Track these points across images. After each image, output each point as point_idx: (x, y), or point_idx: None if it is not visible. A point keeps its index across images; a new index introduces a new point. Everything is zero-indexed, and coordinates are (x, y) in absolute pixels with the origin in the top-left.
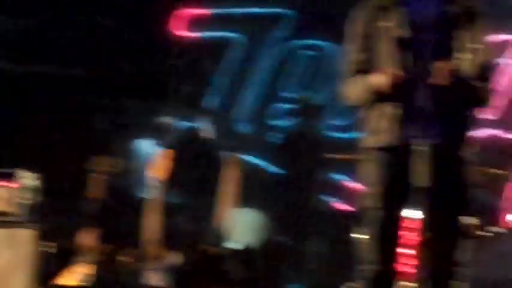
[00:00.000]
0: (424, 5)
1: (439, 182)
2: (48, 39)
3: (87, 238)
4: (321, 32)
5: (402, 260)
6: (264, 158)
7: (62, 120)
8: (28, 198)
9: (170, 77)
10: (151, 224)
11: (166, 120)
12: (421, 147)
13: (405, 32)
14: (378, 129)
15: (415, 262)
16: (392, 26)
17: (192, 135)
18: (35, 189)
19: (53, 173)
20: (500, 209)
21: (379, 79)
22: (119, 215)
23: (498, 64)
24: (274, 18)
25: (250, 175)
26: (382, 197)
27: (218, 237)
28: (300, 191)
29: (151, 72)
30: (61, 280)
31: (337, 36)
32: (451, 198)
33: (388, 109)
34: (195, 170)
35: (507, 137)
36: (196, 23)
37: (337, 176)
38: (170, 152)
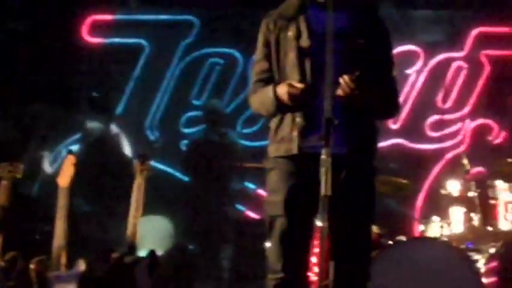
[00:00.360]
0: (327, 15)
1: (342, 191)
2: None
3: None
4: (231, 40)
5: (313, 269)
6: (174, 166)
7: None
8: None
9: (80, 83)
10: (60, 232)
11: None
12: (323, 156)
13: (307, 42)
14: (280, 138)
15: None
16: (294, 35)
17: (102, 142)
18: None
19: None
20: (409, 218)
21: (282, 89)
22: (25, 222)
23: (403, 75)
24: (184, 25)
25: (160, 182)
26: (285, 205)
27: (129, 245)
28: (209, 199)
29: (60, 78)
30: None
31: (249, 45)
32: (355, 207)
33: (290, 118)
34: (105, 176)
35: (411, 146)
36: (105, 29)
37: (247, 184)
38: (74, 158)
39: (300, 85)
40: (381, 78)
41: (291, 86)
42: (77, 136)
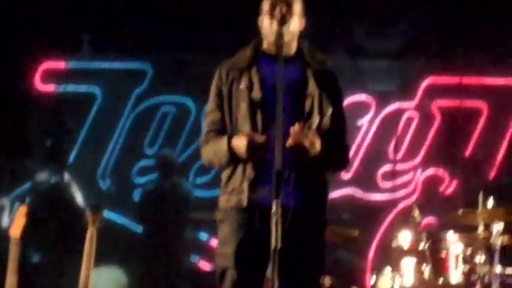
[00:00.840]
0: (278, 68)
1: (291, 243)
2: None
3: None
4: (184, 88)
5: None
6: (127, 216)
7: None
8: None
9: (32, 132)
10: (11, 282)
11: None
12: (273, 208)
13: (259, 94)
14: (231, 189)
15: None
16: (246, 87)
17: (53, 191)
18: None
19: None
20: (361, 270)
21: (240, 141)
22: None
23: (355, 125)
24: (137, 73)
25: (113, 233)
26: (236, 257)
27: None
28: (163, 250)
29: (12, 126)
30: None
31: (202, 93)
32: (304, 260)
33: (241, 170)
34: (57, 227)
35: (363, 197)
36: (58, 76)
37: (201, 235)
38: (25, 208)
39: (261, 138)
40: (331, 132)
41: (251, 138)
42: (28, 185)
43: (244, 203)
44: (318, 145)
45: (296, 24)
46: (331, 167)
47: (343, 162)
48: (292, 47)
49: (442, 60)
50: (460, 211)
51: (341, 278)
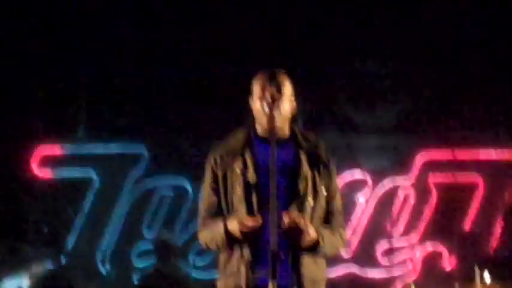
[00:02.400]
0: (275, 149)
1: None
2: None
3: None
4: (181, 170)
5: None
6: None
7: None
8: None
9: (29, 217)
10: None
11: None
12: None
13: (254, 177)
14: (229, 273)
15: None
16: (241, 171)
17: (54, 277)
18: None
19: None
20: None
21: (233, 225)
22: None
23: (352, 203)
24: (133, 157)
25: None
26: None
27: None
28: None
29: (9, 211)
30: None
31: (198, 173)
32: None
33: (238, 253)
34: None
35: (362, 275)
36: (54, 162)
37: None
38: None
39: (251, 222)
40: (327, 214)
41: (242, 224)
42: (26, 271)
43: (243, 286)
44: (313, 233)
45: (287, 107)
46: (330, 248)
47: (341, 241)
48: (285, 130)
49: (436, 134)
50: (456, 286)
51: None
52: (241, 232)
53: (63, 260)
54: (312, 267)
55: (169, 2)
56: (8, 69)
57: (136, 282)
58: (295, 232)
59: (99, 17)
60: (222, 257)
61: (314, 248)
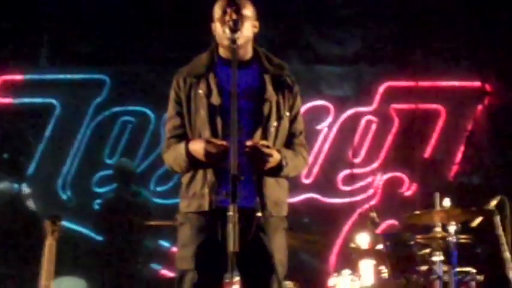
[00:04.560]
0: (236, 71)
1: (252, 244)
2: None
3: None
4: (143, 98)
5: None
6: (87, 225)
7: None
8: None
9: None
10: None
11: None
12: (230, 212)
13: (218, 100)
14: (191, 194)
15: None
16: (204, 93)
17: (12, 203)
18: None
19: None
20: (322, 272)
21: (194, 146)
22: None
23: (314, 130)
24: (95, 84)
25: (74, 242)
26: (195, 259)
27: None
28: (124, 259)
29: None
30: None
31: (160, 102)
32: (262, 261)
33: (201, 175)
34: (16, 238)
35: (323, 201)
36: (15, 88)
37: (162, 243)
38: None
39: (220, 143)
40: (289, 134)
41: (208, 142)
42: None
43: (205, 207)
44: (276, 155)
45: (249, 28)
46: (292, 169)
47: (303, 161)
48: (247, 51)
49: (398, 64)
50: (418, 212)
51: (303, 281)
52: (206, 154)
53: (23, 186)
54: (274, 189)
55: None
56: None
57: (96, 208)
58: (258, 156)
59: None
60: (185, 179)
61: (277, 170)
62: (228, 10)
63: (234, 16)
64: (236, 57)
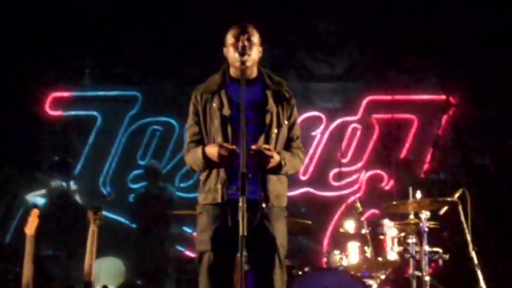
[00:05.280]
0: (244, 88)
1: (258, 230)
2: None
3: None
4: (169, 110)
5: None
6: (123, 215)
7: None
8: None
9: (43, 150)
10: (27, 273)
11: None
12: (240, 203)
13: (228, 112)
14: (207, 189)
15: None
16: (217, 106)
17: (63, 197)
18: None
19: None
20: (316, 252)
21: (209, 149)
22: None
23: (310, 136)
24: (129, 99)
25: (112, 229)
26: (212, 242)
27: (85, 283)
28: (153, 242)
29: (26, 145)
30: None
31: (183, 114)
32: (267, 243)
33: (215, 173)
34: (67, 225)
35: (317, 194)
36: (64, 103)
37: (185, 229)
38: (38, 211)
39: (230, 147)
40: (288, 140)
41: (221, 146)
42: (43, 191)
43: (219, 199)
44: (276, 157)
45: (256, 53)
46: (291, 168)
47: (300, 161)
48: (253, 72)
49: (377, 82)
50: (395, 203)
51: (300, 261)
52: (219, 156)
53: (71, 184)
54: (276, 184)
55: None
56: (25, 31)
57: (131, 201)
58: (261, 157)
59: None
60: (202, 176)
61: (278, 169)
62: (241, 37)
63: (246, 43)
64: (244, 76)
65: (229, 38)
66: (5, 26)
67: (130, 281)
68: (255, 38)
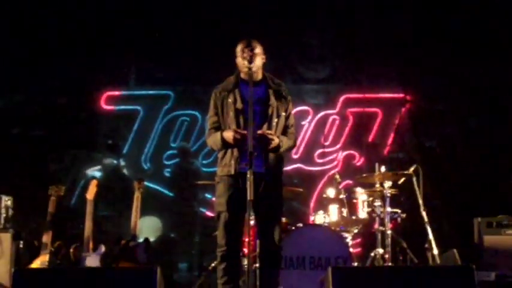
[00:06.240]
0: (252, 88)
1: (262, 196)
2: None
3: (46, 237)
4: (194, 105)
5: (245, 245)
6: (161, 185)
7: (29, 160)
8: (5, 212)
9: (100, 136)
10: (88, 228)
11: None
12: (248, 175)
13: (241, 106)
14: (224, 164)
15: (251, 246)
16: (232, 101)
17: (115, 170)
18: (10, 207)
19: (23, 196)
20: (305, 213)
21: (226, 134)
22: (67, 222)
23: (300, 125)
24: (164, 97)
25: (152, 196)
26: (227, 204)
27: (132, 235)
28: (184, 205)
29: (87, 133)
30: (31, 265)
31: (204, 108)
32: (270, 207)
33: (230, 152)
34: (118, 192)
35: (306, 169)
36: (115, 100)
37: (207, 195)
38: (96, 181)
39: (242, 132)
40: (285, 126)
41: (235, 132)
42: (99, 167)
43: (232, 172)
44: (276, 140)
45: (259, 60)
46: (286, 148)
47: (294, 143)
48: (259, 75)
49: (351, 84)
50: (365, 175)
51: (293, 218)
52: (234, 139)
53: (121, 161)
54: (275, 161)
55: None
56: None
57: (167, 174)
58: (265, 140)
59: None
60: (220, 154)
61: (277, 149)
62: (246, 50)
63: (250, 53)
64: (252, 79)
65: (238, 50)
66: (71, 35)
67: (166, 234)
68: (258, 49)
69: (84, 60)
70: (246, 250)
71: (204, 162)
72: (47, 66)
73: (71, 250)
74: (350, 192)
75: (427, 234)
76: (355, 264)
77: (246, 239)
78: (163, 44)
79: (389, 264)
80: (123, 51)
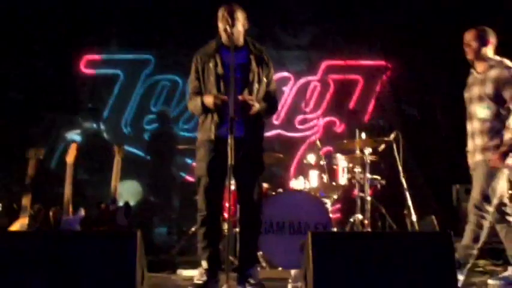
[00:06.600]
0: (233, 53)
1: (242, 161)
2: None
3: (25, 200)
4: (175, 70)
5: (225, 210)
6: (140, 149)
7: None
8: None
9: (79, 99)
10: (67, 191)
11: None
12: (229, 140)
13: (221, 71)
14: (204, 129)
15: (232, 211)
16: (213, 66)
17: (94, 134)
18: None
19: (2, 159)
20: (286, 178)
21: (207, 99)
22: (46, 185)
23: (281, 91)
24: (145, 61)
25: (132, 159)
26: (207, 169)
27: (112, 199)
28: (163, 169)
29: (67, 96)
30: (10, 228)
31: (185, 72)
32: (251, 172)
33: (210, 117)
34: (98, 156)
35: (287, 134)
36: (95, 64)
37: (187, 159)
38: (76, 145)
39: (222, 97)
40: (266, 92)
41: (216, 97)
42: (79, 131)
43: (212, 137)
44: (257, 105)
45: (240, 26)
46: (267, 113)
47: (274, 109)
48: (240, 40)
49: (332, 50)
50: (345, 141)
51: (273, 184)
52: (214, 103)
53: (101, 125)
54: (256, 126)
55: None
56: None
57: (146, 138)
58: (246, 105)
59: None
60: (200, 119)
61: (258, 114)
62: (226, 14)
63: (231, 18)
64: (233, 44)
65: (219, 15)
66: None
67: (145, 198)
68: (239, 14)
69: (63, 23)
70: (226, 215)
71: (185, 127)
72: (26, 29)
73: (51, 213)
74: (330, 158)
75: (406, 200)
76: (335, 229)
77: (227, 204)
78: (143, 7)
79: (369, 229)
80: (103, 13)
